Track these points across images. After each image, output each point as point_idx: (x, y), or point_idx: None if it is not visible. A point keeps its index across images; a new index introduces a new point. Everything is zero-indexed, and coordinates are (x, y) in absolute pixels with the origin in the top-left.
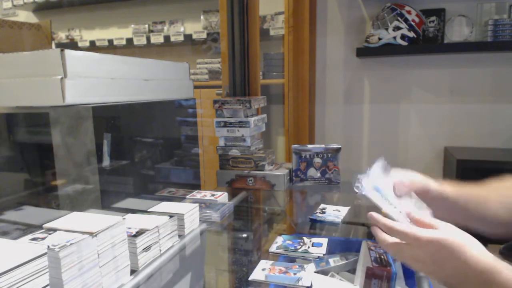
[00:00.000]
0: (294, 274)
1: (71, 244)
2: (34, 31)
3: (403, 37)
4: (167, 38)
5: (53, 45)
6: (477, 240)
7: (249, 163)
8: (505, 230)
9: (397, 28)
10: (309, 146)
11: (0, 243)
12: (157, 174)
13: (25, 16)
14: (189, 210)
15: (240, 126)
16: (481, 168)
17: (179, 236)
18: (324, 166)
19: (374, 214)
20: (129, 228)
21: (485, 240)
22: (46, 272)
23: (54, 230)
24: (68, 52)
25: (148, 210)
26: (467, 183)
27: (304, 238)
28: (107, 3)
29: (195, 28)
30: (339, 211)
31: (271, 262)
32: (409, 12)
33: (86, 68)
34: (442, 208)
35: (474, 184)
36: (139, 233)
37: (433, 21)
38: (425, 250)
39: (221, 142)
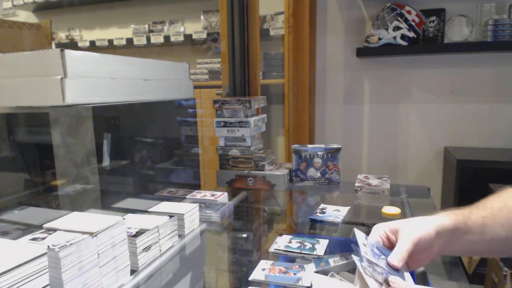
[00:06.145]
0: (294, 274)
1: (71, 244)
2: (34, 31)
3: (403, 37)
4: (167, 38)
5: (53, 45)
6: None
7: (249, 163)
8: (505, 248)
9: (397, 28)
10: (309, 146)
11: (0, 243)
12: (157, 174)
13: (25, 16)
14: (189, 210)
15: (240, 126)
16: (481, 168)
17: (179, 236)
18: (324, 166)
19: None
20: (129, 228)
21: None
22: (46, 272)
23: (54, 230)
24: (68, 52)
25: (148, 210)
26: (463, 207)
27: (304, 238)
28: (107, 3)
29: (195, 28)
30: (339, 211)
31: (271, 262)
32: (409, 12)
33: (86, 68)
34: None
35: (471, 206)
36: (139, 233)
37: (433, 21)
38: None
39: (221, 142)
